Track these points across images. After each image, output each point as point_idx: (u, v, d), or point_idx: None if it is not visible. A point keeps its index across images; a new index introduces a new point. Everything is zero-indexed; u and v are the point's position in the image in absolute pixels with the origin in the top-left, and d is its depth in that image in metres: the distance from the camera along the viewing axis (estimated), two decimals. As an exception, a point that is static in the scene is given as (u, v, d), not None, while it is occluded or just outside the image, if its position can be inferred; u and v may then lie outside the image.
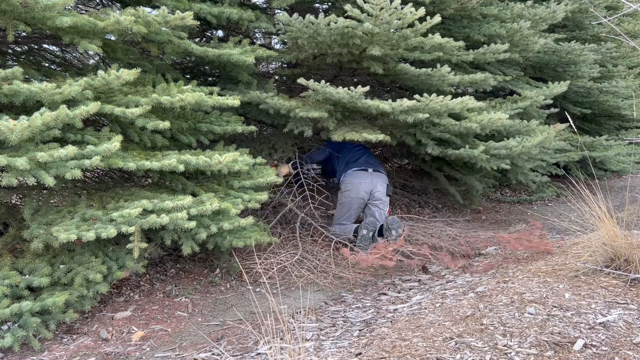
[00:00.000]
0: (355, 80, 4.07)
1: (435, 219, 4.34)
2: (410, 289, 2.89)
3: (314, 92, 3.28)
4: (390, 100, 3.24)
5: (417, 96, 3.31)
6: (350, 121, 3.61)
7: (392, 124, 3.77)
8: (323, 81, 3.16)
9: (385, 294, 2.89)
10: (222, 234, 2.79)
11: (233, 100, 2.85)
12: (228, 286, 3.10)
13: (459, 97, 3.46)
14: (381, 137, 3.37)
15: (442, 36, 3.41)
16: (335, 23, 3.10)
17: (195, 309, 2.81)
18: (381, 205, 3.83)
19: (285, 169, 3.83)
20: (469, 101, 3.44)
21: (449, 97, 3.39)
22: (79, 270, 2.48)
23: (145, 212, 2.40)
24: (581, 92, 5.51)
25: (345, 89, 3.12)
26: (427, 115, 3.34)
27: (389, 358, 1.89)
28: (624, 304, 2.14)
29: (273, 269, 3.18)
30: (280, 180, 3.28)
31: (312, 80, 3.18)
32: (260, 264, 3.16)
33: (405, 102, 3.22)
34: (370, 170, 3.90)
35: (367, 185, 3.81)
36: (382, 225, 3.66)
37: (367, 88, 3.14)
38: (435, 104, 3.33)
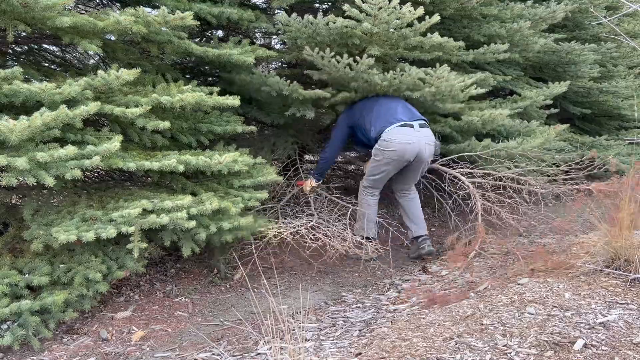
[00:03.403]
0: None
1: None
2: (410, 289, 2.89)
3: (319, 71, 3.28)
4: (398, 69, 3.25)
5: (423, 69, 3.31)
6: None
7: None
8: (328, 49, 3.13)
9: (385, 294, 2.89)
10: (219, 233, 2.77)
11: (233, 100, 2.85)
12: (228, 286, 3.10)
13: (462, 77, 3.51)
14: None
15: (442, 36, 3.41)
16: (334, 23, 3.10)
17: (195, 309, 2.81)
18: (421, 173, 3.45)
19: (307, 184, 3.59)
20: (471, 85, 3.52)
21: (453, 74, 3.41)
22: (78, 269, 2.48)
23: (145, 212, 2.40)
24: (581, 92, 5.50)
25: (350, 59, 3.10)
26: (434, 89, 3.32)
27: (389, 358, 1.89)
28: (624, 304, 2.14)
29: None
30: (281, 179, 3.28)
31: (316, 50, 3.16)
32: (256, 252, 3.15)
33: (414, 71, 3.22)
34: (416, 125, 3.24)
35: (415, 147, 3.20)
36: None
37: (372, 61, 3.13)
38: (440, 82, 3.33)
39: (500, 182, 3.65)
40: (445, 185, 3.74)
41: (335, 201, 3.64)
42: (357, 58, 3.12)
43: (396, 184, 3.56)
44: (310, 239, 3.15)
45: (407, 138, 3.20)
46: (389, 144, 3.21)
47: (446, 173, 3.72)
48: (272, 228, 3.07)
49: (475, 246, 2.94)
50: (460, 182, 3.64)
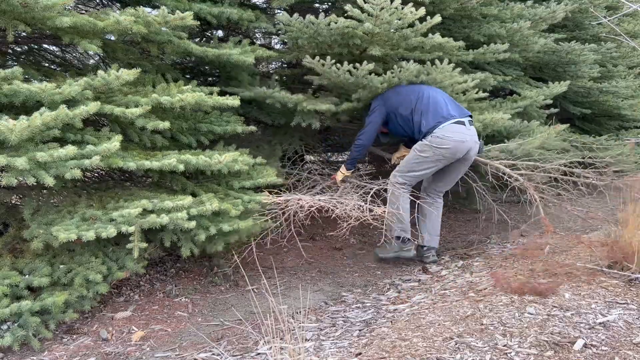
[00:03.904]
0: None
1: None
2: (410, 289, 2.89)
3: (319, 77, 3.28)
4: (395, 67, 3.25)
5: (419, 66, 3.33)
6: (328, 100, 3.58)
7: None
8: (329, 58, 3.13)
9: (385, 294, 2.89)
10: (219, 235, 2.77)
11: (233, 101, 2.85)
12: (228, 286, 3.10)
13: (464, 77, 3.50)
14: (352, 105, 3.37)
15: (442, 36, 3.41)
16: (336, 23, 3.10)
17: (195, 309, 2.81)
18: (462, 172, 3.34)
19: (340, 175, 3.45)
20: (473, 88, 3.48)
21: (457, 71, 3.40)
22: (78, 270, 2.48)
23: (145, 212, 2.40)
24: (581, 92, 5.50)
25: (350, 66, 3.11)
26: (433, 78, 3.35)
27: (389, 358, 1.89)
28: (624, 304, 2.14)
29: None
30: (281, 180, 3.27)
31: (317, 58, 3.15)
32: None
33: (412, 66, 3.22)
34: (466, 122, 3.17)
35: (467, 145, 3.15)
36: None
37: (372, 65, 3.13)
38: (444, 76, 3.33)
39: (549, 174, 3.40)
40: (488, 178, 3.52)
41: (362, 185, 3.48)
42: (357, 65, 3.11)
43: (433, 182, 3.41)
44: (330, 208, 3.02)
45: (461, 136, 3.12)
46: (443, 142, 3.10)
47: (486, 165, 3.46)
48: (290, 199, 3.00)
49: (547, 240, 2.71)
50: (505, 176, 3.39)
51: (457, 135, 3.11)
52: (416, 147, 3.20)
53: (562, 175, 3.40)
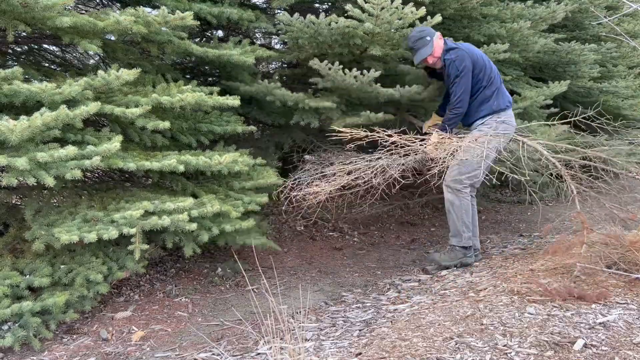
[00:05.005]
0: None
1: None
2: (410, 289, 2.89)
3: (323, 78, 3.28)
4: (398, 86, 3.26)
5: None
6: (354, 112, 3.58)
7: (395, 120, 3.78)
8: (337, 63, 3.12)
9: (385, 294, 2.89)
10: (228, 234, 2.78)
11: (233, 101, 2.85)
12: (228, 286, 3.10)
13: None
14: (381, 116, 3.31)
15: (443, 36, 3.41)
16: (336, 23, 3.10)
17: (195, 309, 2.81)
18: None
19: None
20: None
21: None
22: (79, 270, 2.48)
23: (147, 214, 2.40)
24: (581, 92, 5.50)
25: (356, 72, 3.10)
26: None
27: (389, 358, 1.89)
28: (624, 304, 2.14)
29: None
30: (282, 182, 3.26)
31: (318, 60, 3.13)
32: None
33: (414, 89, 3.27)
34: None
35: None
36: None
37: (378, 73, 3.14)
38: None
39: (590, 162, 3.05)
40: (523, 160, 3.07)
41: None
42: (365, 71, 3.11)
43: None
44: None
45: (514, 121, 3.08)
46: (509, 127, 3.01)
47: (523, 143, 3.08)
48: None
49: (584, 238, 2.49)
50: (542, 158, 3.05)
51: (514, 120, 3.06)
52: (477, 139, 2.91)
53: (602, 164, 3.00)
